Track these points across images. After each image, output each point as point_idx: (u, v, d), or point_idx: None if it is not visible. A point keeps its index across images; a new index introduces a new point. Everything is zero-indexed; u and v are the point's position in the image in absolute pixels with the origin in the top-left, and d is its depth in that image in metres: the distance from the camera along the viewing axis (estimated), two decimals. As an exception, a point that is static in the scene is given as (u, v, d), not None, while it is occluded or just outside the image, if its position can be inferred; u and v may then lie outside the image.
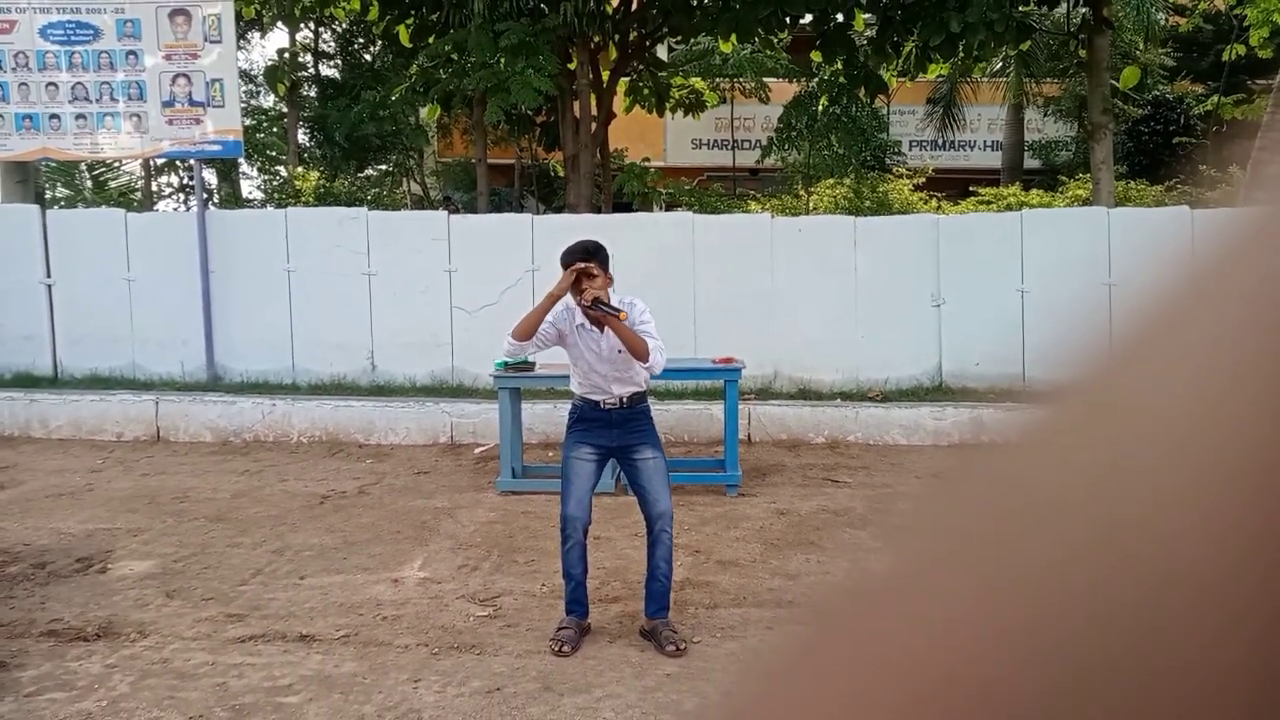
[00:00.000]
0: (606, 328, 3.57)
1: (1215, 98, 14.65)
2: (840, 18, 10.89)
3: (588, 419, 3.71)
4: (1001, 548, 0.20)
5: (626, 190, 13.51)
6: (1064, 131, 17.82)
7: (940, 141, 17.73)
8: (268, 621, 3.88)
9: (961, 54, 10.74)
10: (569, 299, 3.62)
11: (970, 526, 0.21)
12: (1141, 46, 16.21)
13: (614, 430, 3.67)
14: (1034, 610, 0.18)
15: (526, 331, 3.60)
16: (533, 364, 6.22)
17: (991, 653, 0.19)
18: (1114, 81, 12.00)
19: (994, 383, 8.00)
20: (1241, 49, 12.95)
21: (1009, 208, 12.83)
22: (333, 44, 18.45)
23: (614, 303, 3.60)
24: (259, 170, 20.29)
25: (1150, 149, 16.26)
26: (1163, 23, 15.33)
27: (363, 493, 6.00)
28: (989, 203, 14.53)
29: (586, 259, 3.53)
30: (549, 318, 3.66)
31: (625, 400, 3.67)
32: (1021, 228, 8.23)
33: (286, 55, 15.39)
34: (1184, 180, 15.31)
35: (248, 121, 16.99)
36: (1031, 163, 18.34)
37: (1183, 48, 17.98)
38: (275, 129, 18.88)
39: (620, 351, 3.57)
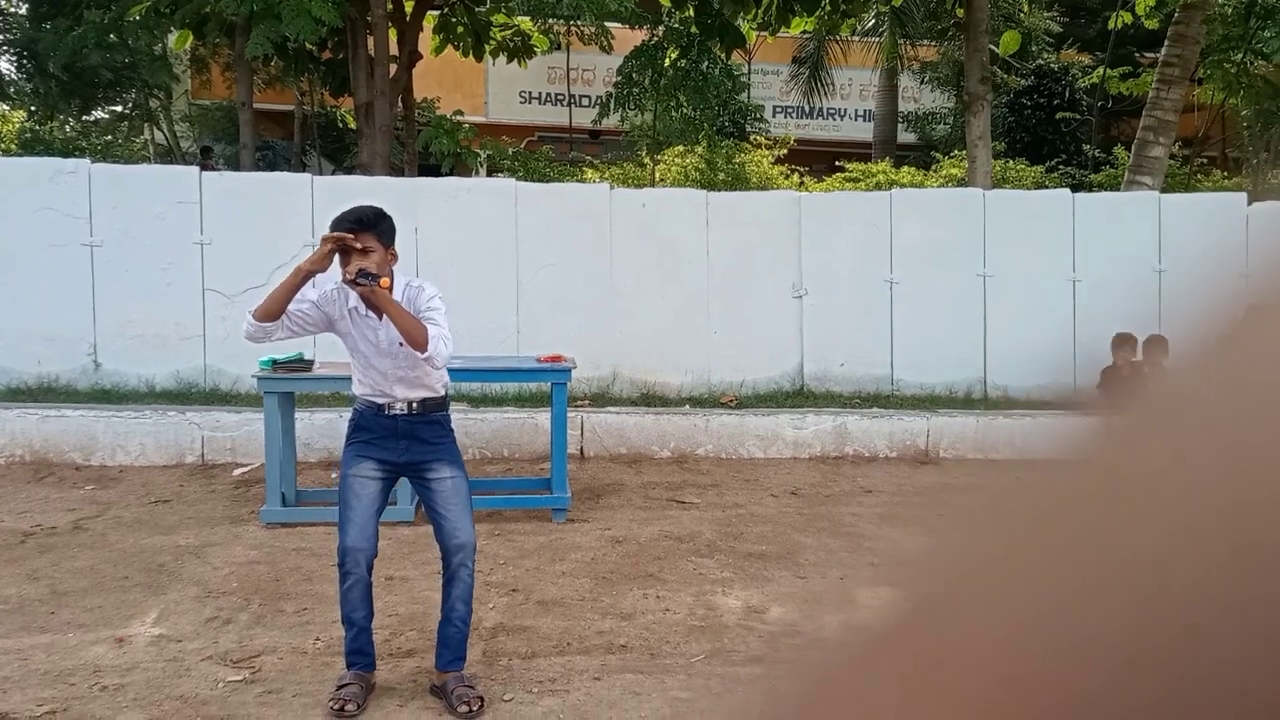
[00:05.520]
0: (385, 315, 3.51)
1: (1101, 69, 16.01)
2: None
3: (369, 428, 3.67)
4: (1114, 533, 0.22)
5: (434, 149, 13.30)
6: (941, 102, 19.01)
7: (807, 108, 18.52)
8: (-61, 700, 3.57)
9: (828, 6, 11.25)
10: (340, 276, 3.53)
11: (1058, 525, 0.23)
12: (1025, 9, 17.53)
13: (401, 442, 3.65)
14: (1147, 603, 0.20)
15: (268, 311, 3.51)
16: (310, 361, 6.03)
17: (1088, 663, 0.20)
18: (994, 47, 12.91)
19: (860, 385, 8.43)
20: (1128, 17, 14.24)
21: (878, 186, 13.56)
22: (47, -55, 17.18)
23: (396, 289, 3.53)
24: (-59, 106, 18.71)
25: (1032, 124, 17.60)
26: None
27: (79, 528, 5.74)
28: (857, 180, 15.29)
29: (356, 229, 3.45)
30: (312, 297, 3.60)
31: (414, 406, 3.64)
32: (891, 210, 8.73)
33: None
34: (1067, 160, 16.67)
35: (-75, 41, 15.61)
36: (907, 136, 19.47)
37: (1069, 12, 19.59)
38: (-35, 53, 17.42)
39: (402, 344, 3.52)
